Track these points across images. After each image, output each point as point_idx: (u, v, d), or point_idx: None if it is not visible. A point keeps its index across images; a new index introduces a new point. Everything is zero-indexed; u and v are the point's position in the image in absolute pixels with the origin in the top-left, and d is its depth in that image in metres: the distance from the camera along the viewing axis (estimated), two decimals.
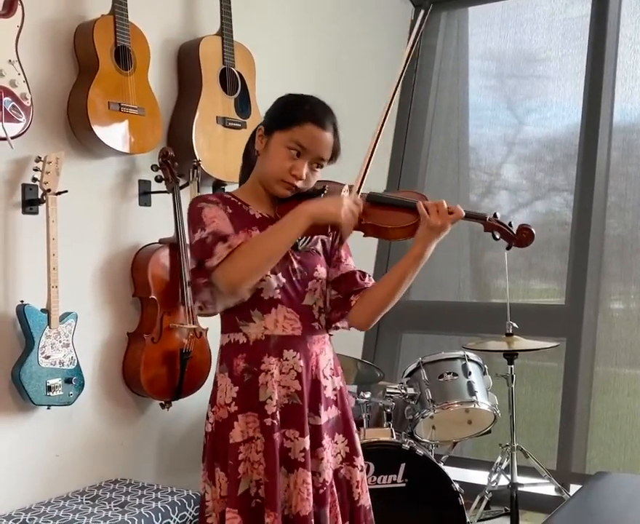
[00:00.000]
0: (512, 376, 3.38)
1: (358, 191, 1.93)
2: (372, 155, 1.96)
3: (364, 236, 1.97)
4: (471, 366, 3.40)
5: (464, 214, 1.91)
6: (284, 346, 1.95)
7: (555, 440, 3.97)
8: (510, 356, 3.38)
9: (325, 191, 1.99)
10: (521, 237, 1.91)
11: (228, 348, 1.99)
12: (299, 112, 1.95)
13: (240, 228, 1.94)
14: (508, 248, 1.94)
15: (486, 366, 3.49)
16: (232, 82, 3.35)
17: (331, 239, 2.05)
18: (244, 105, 3.39)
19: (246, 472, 1.92)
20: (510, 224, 1.92)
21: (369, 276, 2.08)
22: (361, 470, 2.05)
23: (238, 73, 3.38)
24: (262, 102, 3.09)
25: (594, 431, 3.96)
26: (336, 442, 2.03)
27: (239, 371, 1.95)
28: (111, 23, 2.93)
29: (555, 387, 4.06)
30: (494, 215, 1.93)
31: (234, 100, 3.36)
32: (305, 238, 1.99)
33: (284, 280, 1.95)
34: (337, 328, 2.08)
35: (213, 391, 2.02)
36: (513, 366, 3.38)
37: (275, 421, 1.92)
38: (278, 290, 1.94)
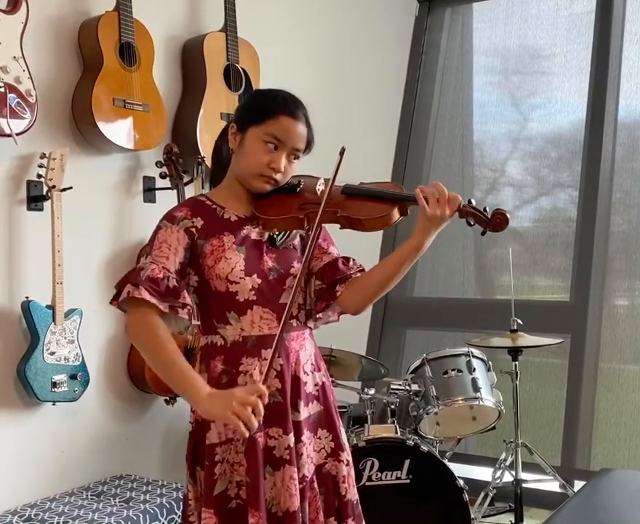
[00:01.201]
0: (516, 373, 3.38)
1: (330, 187, 1.89)
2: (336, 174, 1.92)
3: (340, 228, 1.95)
4: (475, 362, 3.39)
5: (462, 202, 1.87)
6: (262, 346, 1.92)
7: (559, 437, 3.97)
8: (515, 352, 3.37)
9: (301, 186, 1.98)
10: (495, 222, 1.87)
11: (206, 349, 1.98)
12: (271, 105, 1.94)
13: (211, 235, 1.93)
14: (483, 234, 1.91)
15: (490, 362, 3.49)
16: (236, 78, 3.35)
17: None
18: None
19: (224, 473, 1.91)
20: (485, 209, 1.89)
21: (354, 260, 2.05)
22: (347, 465, 2.03)
23: (243, 69, 3.38)
24: None
25: (599, 427, 3.96)
26: (319, 438, 2.01)
27: (217, 373, 1.93)
28: (115, 20, 2.93)
29: (559, 384, 4.06)
30: (469, 202, 1.90)
31: (238, 96, 3.36)
32: (282, 234, 1.98)
33: (259, 281, 1.93)
34: (319, 319, 2.04)
35: None
36: (517, 362, 3.38)
37: None
38: (253, 292, 1.92)
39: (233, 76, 3.34)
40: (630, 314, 4.02)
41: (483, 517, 3.42)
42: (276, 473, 1.92)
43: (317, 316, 2.03)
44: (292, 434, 1.93)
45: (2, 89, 2.61)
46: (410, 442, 2.98)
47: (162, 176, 3.14)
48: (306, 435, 1.97)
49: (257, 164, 1.92)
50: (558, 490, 3.49)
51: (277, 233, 1.97)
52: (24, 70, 2.68)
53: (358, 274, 2.02)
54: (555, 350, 3.94)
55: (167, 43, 3.29)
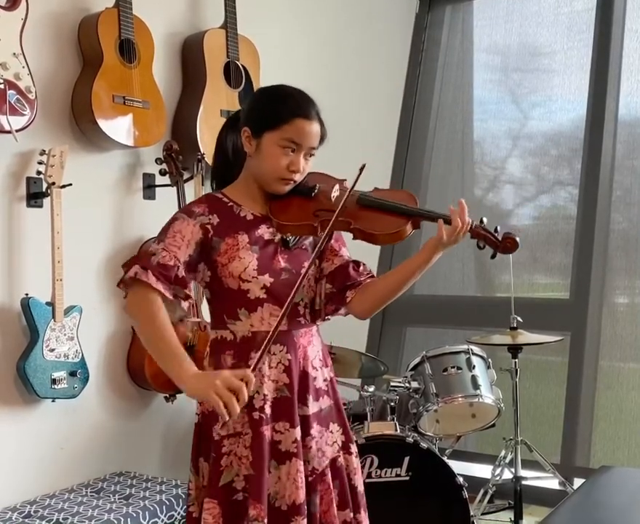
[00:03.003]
0: (516, 370, 3.38)
1: (346, 197, 1.91)
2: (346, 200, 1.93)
3: (353, 238, 1.98)
4: (475, 360, 3.39)
5: (474, 223, 1.93)
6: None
7: (559, 434, 3.97)
8: (515, 350, 3.37)
9: (316, 190, 2.00)
10: (506, 245, 1.93)
11: (216, 344, 2.00)
12: (285, 109, 1.94)
13: (226, 234, 1.95)
14: (493, 257, 1.96)
15: (490, 360, 3.48)
16: (236, 75, 3.35)
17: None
18: (248, 98, 3.39)
19: (230, 465, 1.93)
20: (496, 230, 1.94)
21: (364, 265, 2.09)
22: (356, 456, 2.09)
23: (243, 66, 3.37)
24: None
25: (598, 425, 3.96)
26: (331, 432, 2.05)
27: (227, 367, 1.95)
28: (115, 16, 2.93)
29: (559, 381, 4.06)
30: (481, 221, 1.94)
31: (238, 93, 3.36)
32: (294, 237, 2.01)
33: (271, 280, 1.96)
34: (327, 319, 2.10)
35: None
36: (517, 360, 3.37)
37: (263, 415, 1.93)
38: (264, 290, 1.95)
39: (233, 73, 3.34)
40: (630, 312, 4.02)
41: (482, 514, 3.42)
42: (281, 467, 1.95)
43: (326, 317, 2.09)
44: (298, 428, 1.96)
45: (2, 86, 2.61)
46: (410, 440, 2.98)
47: (162, 173, 3.13)
48: (316, 429, 2.00)
49: (277, 168, 1.96)
50: (557, 487, 3.49)
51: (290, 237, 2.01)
52: (24, 67, 2.68)
53: (369, 280, 2.06)
54: (555, 348, 3.93)
55: (167, 39, 3.29)
